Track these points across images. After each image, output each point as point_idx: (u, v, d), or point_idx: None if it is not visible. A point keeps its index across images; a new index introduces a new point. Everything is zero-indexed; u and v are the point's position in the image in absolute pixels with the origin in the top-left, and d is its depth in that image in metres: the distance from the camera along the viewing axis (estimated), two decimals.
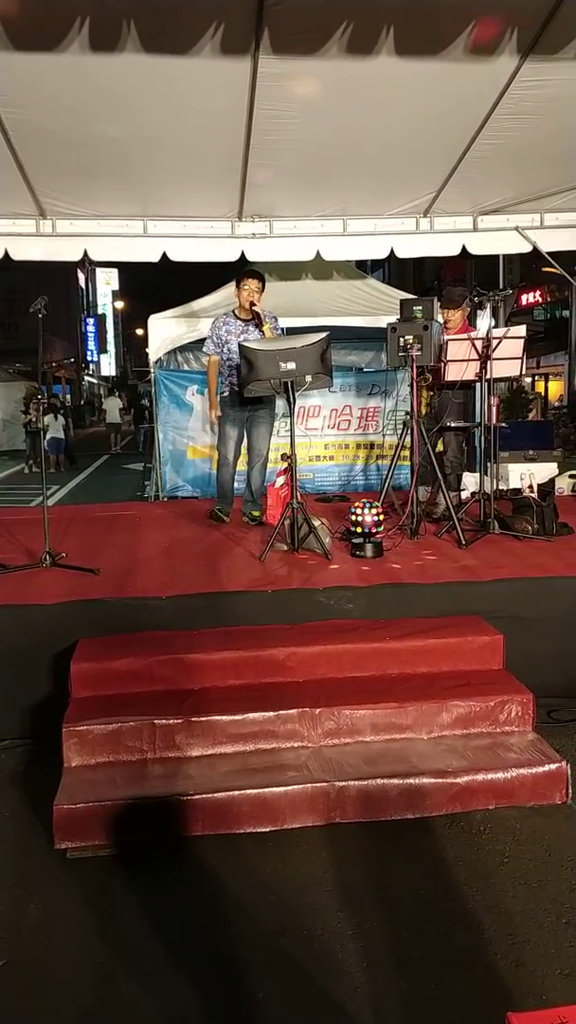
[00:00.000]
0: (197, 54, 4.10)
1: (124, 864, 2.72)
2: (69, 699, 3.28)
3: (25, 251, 6.28)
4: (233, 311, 5.55)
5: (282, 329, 5.55)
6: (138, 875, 2.66)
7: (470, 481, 6.09)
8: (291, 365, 4.49)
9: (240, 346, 4.77)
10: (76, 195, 5.87)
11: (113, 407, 23.30)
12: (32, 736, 3.56)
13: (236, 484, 5.77)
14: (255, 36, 4.03)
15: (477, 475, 5.61)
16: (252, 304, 5.28)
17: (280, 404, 5.75)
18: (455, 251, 6.71)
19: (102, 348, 54.05)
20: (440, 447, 5.55)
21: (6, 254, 6.24)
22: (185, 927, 2.40)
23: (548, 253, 6.63)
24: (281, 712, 3.16)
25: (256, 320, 5.30)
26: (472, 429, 5.77)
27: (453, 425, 5.41)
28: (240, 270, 5.79)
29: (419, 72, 4.35)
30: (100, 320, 53.19)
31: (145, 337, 9.05)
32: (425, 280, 28.41)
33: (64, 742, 3.02)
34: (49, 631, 3.63)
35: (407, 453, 5.30)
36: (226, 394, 5.49)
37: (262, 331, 5.27)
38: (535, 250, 6.70)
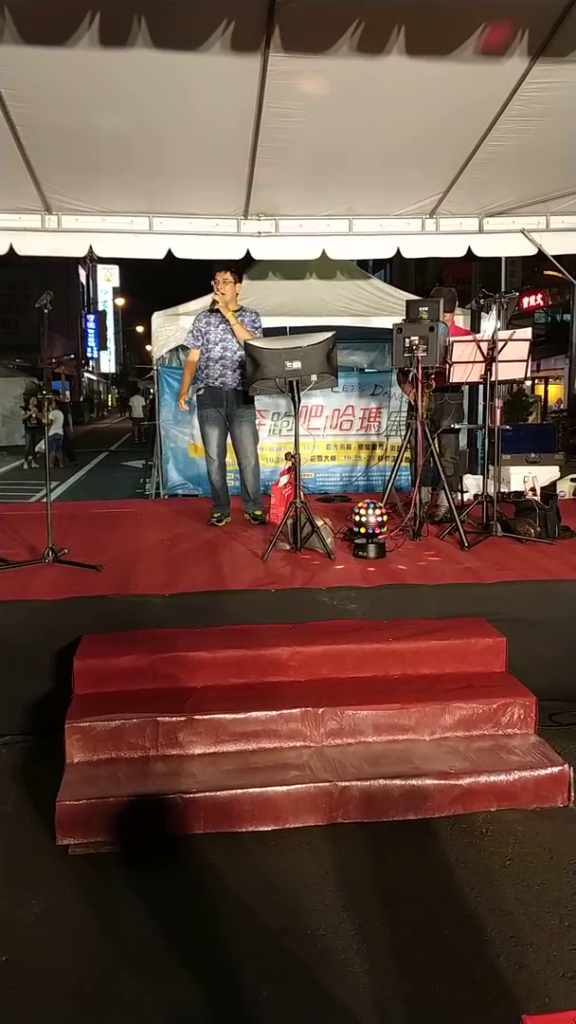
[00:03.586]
0: (207, 51, 4.09)
1: (126, 861, 2.71)
2: (71, 695, 3.27)
3: (30, 246, 6.26)
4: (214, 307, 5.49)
5: (258, 327, 5.39)
6: (140, 872, 2.66)
7: (472, 483, 6.09)
8: (296, 364, 4.48)
9: (246, 345, 4.75)
10: (82, 191, 5.86)
11: (137, 404, 25.29)
12: (33, 732, 3.55)
13: (232, 481, 5.70)
14: (266, 33, 4.02)
15: (479, 477, 5.60)
16: (220, 295, 5.25)
17: (283, 402, 5.74)
18: (460, 252, 6.71)
19: (102, 345, 54.12)
20: (436, 449, 5.53)
21: (11, 249, 6.22)
22: (187, 925, 2.39)
23: (553, 256, 6.63)
24: (284, 711, 3.16)
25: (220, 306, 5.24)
26: (474, 430, 5.77)
27: (455, 427, 5.40)
28: (244, 267, 5.75)
29: (429, 73, 4.34)
30: (100, 317, 53.25)
31: (145, 334, 9.04)
32: (427, 282, 28.44)
33: (66, 738, 3.01)
34: (51, 627, 3.62)
35: (409, 454, 5.29)
36: (202, 392, 5.36)
37: (226, 318, 5.20)
38: (539, 253, 6.70)
